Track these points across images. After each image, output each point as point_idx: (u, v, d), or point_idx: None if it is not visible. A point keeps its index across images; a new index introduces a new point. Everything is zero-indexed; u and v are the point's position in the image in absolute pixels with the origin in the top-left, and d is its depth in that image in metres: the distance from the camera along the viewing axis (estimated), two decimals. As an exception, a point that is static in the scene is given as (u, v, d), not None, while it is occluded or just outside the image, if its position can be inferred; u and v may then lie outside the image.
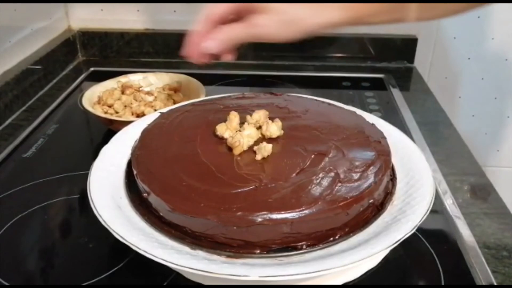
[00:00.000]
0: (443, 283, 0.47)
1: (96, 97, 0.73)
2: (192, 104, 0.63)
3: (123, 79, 0.78)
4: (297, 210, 0.41)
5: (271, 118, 0.54)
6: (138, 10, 1.03)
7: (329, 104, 0.62)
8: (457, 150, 0.71)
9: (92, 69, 0.99)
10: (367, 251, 0.40)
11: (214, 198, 0.43)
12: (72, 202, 0.58)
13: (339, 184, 0.45)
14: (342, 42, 1.03)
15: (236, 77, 0.94)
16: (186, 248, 0.42)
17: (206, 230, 0.42)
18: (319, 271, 0.38)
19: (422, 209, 0.44)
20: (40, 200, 0.57)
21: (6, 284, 0.46)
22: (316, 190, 0.44)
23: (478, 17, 1.00)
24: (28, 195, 0.59)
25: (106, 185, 0.49)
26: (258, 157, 0.49)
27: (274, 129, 0.52)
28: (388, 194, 0.48)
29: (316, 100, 0.63)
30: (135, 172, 0.49)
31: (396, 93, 0.89)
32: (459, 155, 0.70)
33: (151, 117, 0.59)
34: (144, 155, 0.51)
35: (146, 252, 0.40)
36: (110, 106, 0.71)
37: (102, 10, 1.03)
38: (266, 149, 0.49)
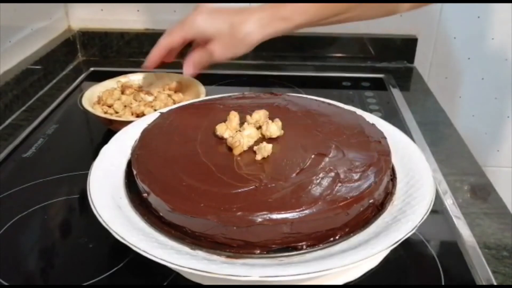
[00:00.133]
0: (443, 283, 0.47)
1: (96, 97, 0.73)
2: (192, 104, 0.63)
3: (123, 79, 0.78)
4: (297, 210, 0.41)
5: (271, 118, 0.54)
6: (138, 10, 1.03)
7: (329, 104, 0.62)
8: (457, 150, 0.71)
9: (92, 69, 0.99)
10: (367, 251, 0.40)
11: (214, 198, 0.43)
12: (72, 202, 0.58)
13: (339, 184, 0.45)
14: (342, 42, 1.03)
15: (236, 77, 0.94)
16: (186, 248, 0.42)
17: (206, 230, 0.42)
18: (319, 271, 0.38)
19: (422, 209, 0.44)
20: (40, 200, 0.57)
21: (6, 284, 0.46)
22: (316, 190, 0.44)
23: (478, 17, 1.00)
24: (28, 195, 0.59)
25: (106, 185, 0.49)
26: (258, 157, 0.49)
27: (274, 129, 0.52)
28: (388, 194, 0.48)
29: (316, 100, 0.63)
30: (135, 172, 0.49)
31: (396, 93, 0.89)
32: (459, 155, 0.70)
33: (151, 117, 0.59)
34: (144, 155, 0.51)
35: (146, 252, 0.40)
36: (110, 106, 0.71)
37: (102, 10, 1.03)
38: (266, 149, 0.49)
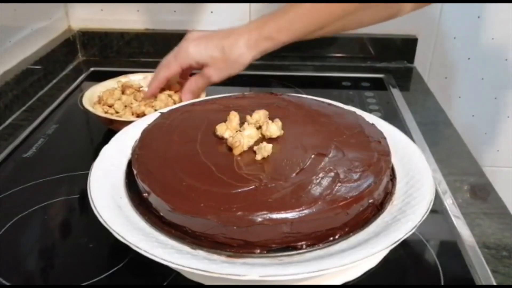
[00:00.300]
0: (443, 283, 0.47)
1: (96, 97, 0.73)
2: (192, 104, 0.63)
3: (123, 79, 0.78)
4: (297, 210, 0.41)
5: (271, 118, 0.54)
6: (138, 10, 1.03)
7: (329, 104, 0.62)
8: (457, 150, 0.71)
9: (92, 69, 0.99)
10: (367, 251, 0.40)
11: (214, 198, 0.43)
12: (72, 202, 0.58)
13: (339, 184, 0.45)
14: (342, 42, 1.03)
15: (236, 77, 0.94)
16: (186, 248, 0.42)
17: (206, 230, 0.42)
18: (319, 270, 0.38)
19: (422, 209, 0.44)
20: (40, 200, 0.57)
21: (6, 284, 0.46)
22: (316, 190, 0.44)
23: (478, 17, 1.00)
24: (28, 195, 0.59)
25: (106, 185, 0.49)
26: (258, 157, 0.49)
27: (274, 129, 0.52)
28: (388, 194, 0.48)
29: (316, 100, 0.63)
30: (135, 172, 0.49)
31: (396, 93, 0.89)
32: (459, 155, 0.70)
33: (151, 117, 0.59)
34: (144, 155, 0.51)
35: (146, 252, 0.40)
36: (110, 106, 0.71)
37: (102, 10, 1.03)
38: (266, 149, 0.49)
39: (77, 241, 0.52)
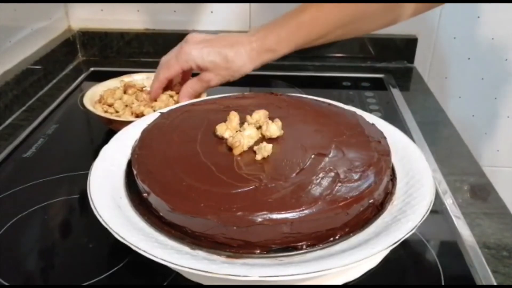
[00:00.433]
0: (443, 283, 0.47)
1: (98, 96, 0.73)
2: (192, 104, 0.63)
3: (126, 78, 0.78)
4: (297, 210, 0.41)
5: (271, 118, 0.54)
6: (138, 10, 1.03)
7: (329, 104, 0.62)
8: (457, 150, 0.71)
9: (92, 69, 0.99)
10: (367, 251, 0.40)
11: (214, 198, 0.43)
12: (72, 202, 0.58)
13: (339, 184, 0.45)
14: (342, 42, 1.02)
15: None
16: (186, 248, 0.42)
17: (206, 230, 0.42)
18: (319, 271, 0.38)
19: (422, 209, 0.44)
20: (40, 200, 0.57)
21: (6, 284, 0.46)
22: (316, 190, 0.44)
23: (478, 17, 1.00)
24: (28, 195, 0.59)
25: (106, 185, 0.49)
26: (258, 157, 0.49)
27: (274, 129, 0.52)
28: (388, 194, 0.48)
29: (316, 100, 0.63)
30: (135, 172, 0.49)
31: (396, 93, 0.89)
32: (459, 155, 0.70)
33: (151, 117, 0.59)
34: (144, 155, 0.51)
35: (146, 252, 0.40)
36: (110, 105, 0.71)
37: (102, 10, 1.03)
38: (266, 149, 0.49)
39: (77, 241, 0.52)
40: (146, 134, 0.55)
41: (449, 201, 0.59)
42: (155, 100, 0.71)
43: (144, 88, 0.76)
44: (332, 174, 0.46)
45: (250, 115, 0.54)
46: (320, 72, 1.00)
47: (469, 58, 1.04)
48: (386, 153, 0.50)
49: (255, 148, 0.50)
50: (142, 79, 0.79)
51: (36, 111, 0.81)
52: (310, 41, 0.67)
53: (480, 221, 0.56)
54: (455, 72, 1.06)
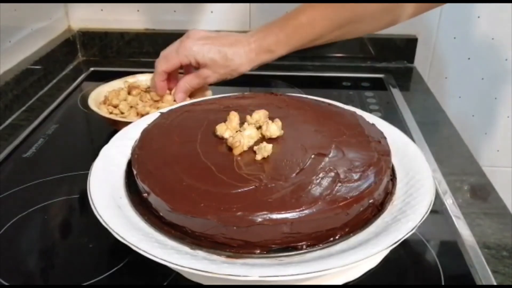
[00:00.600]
0: (443, 283, 0.47)
1: (102, 97, 0.73)
2: (192, 104, 0.63)
3: (130, 79, 0.78)
4: (297, 210, 0.41)
5: (271, 118, 0.54)
6: (138, 10, 1.03)
7: (329, 104, 0.62)
8: (457, 150, 0.71)
9: (92, 69, 0.99)
10: (367, 251, 0.40)
11: (214, 198, 0.43)
12: (72, 202, 0.58)
13: (339, 184, 0.45)
14: (342, 42, 1.02)
15: (236, 77, 0.94)
16: (186, 248, 0.42)
17: (206, 230, 0.42)
18: (319, 271, 0.38)
19: (422, 209, 0.44)
20: (40, 200, 0.57)
21: (6, 284, 0.46)
22: (316, 190, 0.44)
23: (478, 17, 1.00)
24: (28, 195, 0.59)
25: (106, 185, 0.49)
26: (258, 157, 0.49)
27: (274, 129, 0.52)
28: (388, 194, 0.48)
29: (316, 100, 0.63)
30: (135, 172, 0.49)
31: (396, 93, 0.89)
32: (459, 155, 0.70)
33: (151, 117, 0.59)
34: (144, 155, 0.51)
35: (146, 252, 0.40)
36: (115, 107, 0.71)
37: (102, 10, 1.03)
38: (266, 149, 0.49)
39: (77, 241, 0.52)
40: (146, 134, 0.55)
41: (449, 201, 0.59)
42: (164, 94, 0.72)
43: (148, 89, 0.76)
44: (332, 174, 0.46)
45: (250, 115, 0.54)
46: (320, 72, 1.00)
47: (469, 58, 1.04)
48: (386, 153, 0.50)
49: (255, 148, 0.50)
50: (146, 79, 0.79)
51: (36, 111, 0.81)
52: (308, 42, 0.68)
53: (480, 221, 0.56)
54: (455, 72, 1.06)
